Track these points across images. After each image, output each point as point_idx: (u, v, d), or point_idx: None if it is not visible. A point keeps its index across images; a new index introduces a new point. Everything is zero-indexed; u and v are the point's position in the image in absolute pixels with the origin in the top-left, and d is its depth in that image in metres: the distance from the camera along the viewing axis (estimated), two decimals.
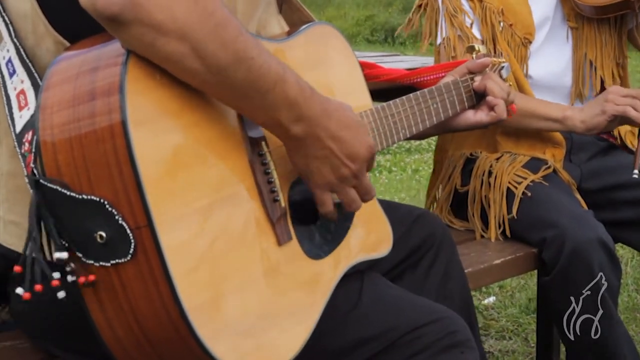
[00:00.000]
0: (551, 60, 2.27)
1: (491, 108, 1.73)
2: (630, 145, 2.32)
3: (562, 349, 2.30)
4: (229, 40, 1.07)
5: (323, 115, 1.18)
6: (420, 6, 2.29)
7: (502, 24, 2.17)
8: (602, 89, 2.31)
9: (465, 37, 2.14)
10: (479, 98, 1.76)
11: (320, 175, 1.22)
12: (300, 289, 1.24)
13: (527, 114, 2.15)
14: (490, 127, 1.80)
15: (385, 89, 2.03)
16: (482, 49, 1.93)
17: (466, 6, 2.19)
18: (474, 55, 1.84)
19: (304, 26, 1.42)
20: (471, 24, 2.17)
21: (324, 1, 17.69)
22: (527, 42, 2.20)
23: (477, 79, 1.74)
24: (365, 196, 1.28)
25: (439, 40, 2.22)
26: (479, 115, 1.74)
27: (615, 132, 2.33)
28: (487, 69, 1.77)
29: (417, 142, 6.64)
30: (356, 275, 1.39)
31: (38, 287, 1.04)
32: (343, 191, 1.25)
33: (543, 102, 2.19)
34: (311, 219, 1.31)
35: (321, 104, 1.18)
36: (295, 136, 1.17)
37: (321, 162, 1.20)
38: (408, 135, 1.57)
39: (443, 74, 1.84)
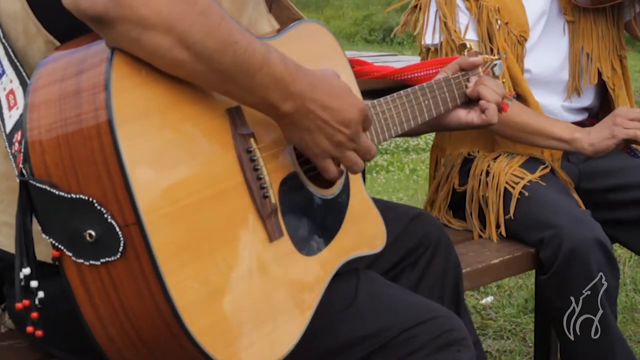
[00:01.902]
0: (548, 55, 2.27)
1: (483, 111, 1.73)
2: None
3: None
4: (213, 27, 1.08)
5: (311, 89, 1.20)
6: (415, 7, 2.29)
7: (499, 22, 2.17)
8: (600, 81, 2.31)
9: (456, 42, 2.15)
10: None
11: (316, 146, 1.24)
12: (293, 285, 1.23)
13: (534, 132, 2.15)
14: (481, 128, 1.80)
15: (377, 90, 2.02)
16: (474, 46, 1.92)
17: (462, 6, 2.19)
18: (465, 53, 1.83)
19: (292, 24, 1.42)
20: (467, 24, 2.17)
21: (323, 1, 17.70)
22: (522, 39, 2.20)
23: (472, 81, 1.73)
24: (366, 156, 1.30)
25: (428, 41, 2.22)
26: (471, 116, 1.74)
27: None
28: (480, 68, 1.77)
29: (415, 142, 6.65)
30: (352, 273, 1.39)
31: (26, 301, 1.08)
32: (342, 156, 1.27)
33: (551, 120, 2.19)
34: (303, 215, 1.30)
35: (307, 77, 1.20)
36: (286, 113, 1.19)
37: (316, 133, 1.23)
38: (400, 132, 1.57)
39: (433, 71, 1.84)
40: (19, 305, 1.07)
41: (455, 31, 2.15)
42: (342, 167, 1.31)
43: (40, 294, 1.08)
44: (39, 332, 1.08)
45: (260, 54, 1.13)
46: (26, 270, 1.07)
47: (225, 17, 1.10)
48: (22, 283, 1.07)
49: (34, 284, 1.08)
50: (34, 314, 1.08)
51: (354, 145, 1.27)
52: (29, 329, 1.09)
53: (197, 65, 1.08)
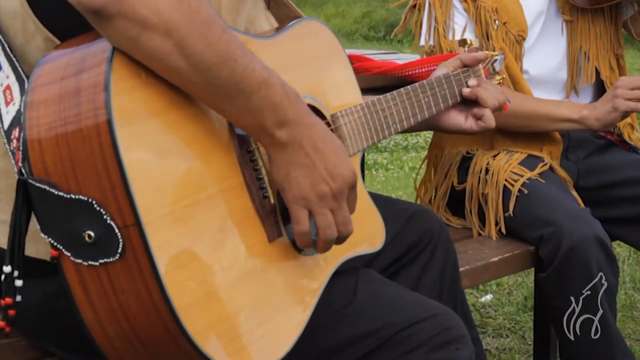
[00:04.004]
0: (547, 55, 2.27)
1: (478, 118, 1.72)
2: (628, 139, 2.32)
3: None
4: (213, 40, 1.06)
5: (307, 124, 1.16)
6: (414, 6, 2.30)
7: (497, 22, 2.17)
8: (598, 80, 2.31)
9: (445, 48, 2.15)
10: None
11: (298, 187, 1.17)
12: (292, 285, 1.23)
13: (542, 117, 2.16)
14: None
15: (377, 87, 2.02)
16: (474, 42, 1.92)
17: (459, 7, 2.19)
18: (465, 49, 1.83)
19: (292, 22, 1.41)
20: (464, 25, 2.17)
21: None
22: (520, 39, 2.21)
23: (470, 83, 1.73)
24: (342, 227, 1.21)
25: (422, 43, 2.23)
26: (469, 123, 1.74)
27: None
28: (480, 65, 1.76)
29: (415, 140, 6.65)
30: (351, 271, 1.39)
31: (8, 300, 1.07)
32: (320, 211, 1.19)
33: (556, 103, 2.20)
34: None
35: (306, 111, 1.17)
36: (278, 141, 1.15)
37: (301, 172, 1.17)
38: (399, 130, 1.57)
39: (434, 67, 1.84)
40: (1, 302, 1.07)
41: (444, 37, 2.16)
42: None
43: (18, 298, 1.08)
44: (8, 329, 1.08)
45: (260, 75, 1.10)
46: (7, 269, 1.07)
47: (227, 31, 1.08)
48: (7, 280, 1.07)
49: (18, 283, 1.08)
50: (11, 312, 1.07)
51: (335, 205, 1.19)
52: (1, 323, 1.08)
53: (194, 76, 1.07)
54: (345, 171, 1.19)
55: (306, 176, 1.17)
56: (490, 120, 1.71)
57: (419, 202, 2.35)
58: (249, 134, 1.18)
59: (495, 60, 1.83)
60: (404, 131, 1.62)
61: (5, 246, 1.26)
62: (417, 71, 1.93)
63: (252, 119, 1.13)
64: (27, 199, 1.05)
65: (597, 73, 2.32)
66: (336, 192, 1.19)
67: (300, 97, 1.17)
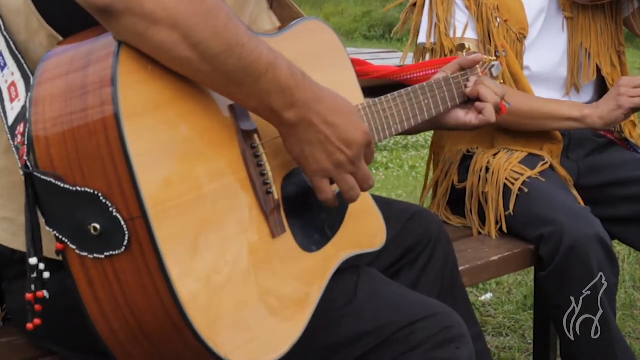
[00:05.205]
0: (547, 52, 2.27)
1: (479, 111, 1.72)
2: (629, 137, 2.33)
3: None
4: (220, 28, 1.07)
5: (315, 100, 1.18)
6: (414, 5, 2.30)
7: (498, 19, 2.17)
8: (599, 77, 2.32)
9: (447, 46, 2.16)
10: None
11: (315, 162, 1.21)
12: (294, 281, 1.23)
13: (544, 116, 2.17)
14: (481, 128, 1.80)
15: (377, 87, 2.02)
16: (472, 46, 1.93)
17: (461, 4, 2.19)
18: (464, 53, 1.84)
19: (294, 21, 1.42)
20: (466, 23, 2.17)
21: None
22: (521, 37, 2.21)
23: (471, 81, 1.73)
24: (364, 184, 1.26)
25: (422, 40, 2.23)
26: (469, 117, 1.73)
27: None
28: (478, 67, 1.76)
29: (414, 139, 6.64)
30: (352, 270, 1.39)
31: (40, 294, 1.07)
32: (340, 178, 1.23)
33: (557, 102, 2.20)
34: (305, 212, 1.31)
35: (313, 89, 1.18)
36: (288, 122, 1.17)
37: (316, 147, 1.20)
38: (400, 131, 1.57)
39: (433, 71, 1.84)
40: (29, 295, 1.07)
41: (446, 35, 2.16)
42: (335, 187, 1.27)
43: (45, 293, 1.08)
44: (38, 321, 1.09)
45: (267, 58, 1.12)
46: (33, 260, 1.07)
47: (233, 18, 1.09)
48: (35, 275, 1.07)
49: (46, 275, 1.08)
50: (38, 307, 1.08)
51: (354, 169, 1.23)
52: (37, 320, 1.09)
53: (202, 64, 1.08)
54: (358, 135, 1.22)
55: (321, 150, 1.20)
56: (490, 114, 1.71)
57: (420, 201, 2.36)
58: (258, 115, 1.19)
59: (493, 65, 1.83)
60: (404, 132, 1.62)
61: (6, 244, 1.27)
62: (415, 75, 1.93)
63: (261, 102, 1.14)
64: (34, 193, 1.05)
65: (598, 70, 2.32)
66: (352, 158, 1.22)
67: (306, 74, 1.18)
